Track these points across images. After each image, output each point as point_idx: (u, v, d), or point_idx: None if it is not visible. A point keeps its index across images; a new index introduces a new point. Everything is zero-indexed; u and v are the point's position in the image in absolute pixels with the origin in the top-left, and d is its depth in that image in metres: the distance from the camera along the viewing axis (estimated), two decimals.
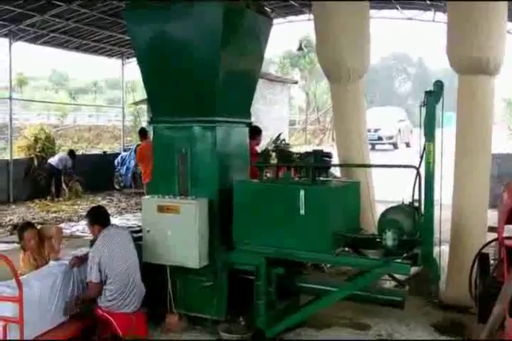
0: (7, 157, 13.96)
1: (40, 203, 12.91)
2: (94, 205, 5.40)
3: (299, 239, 4.70)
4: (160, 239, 5.00)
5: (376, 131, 23.35)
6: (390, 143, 24.68)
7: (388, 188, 10.13)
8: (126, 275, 4.70)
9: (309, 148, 5.73)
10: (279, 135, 6.03)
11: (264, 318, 4.80)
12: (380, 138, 23.96)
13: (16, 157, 13.96)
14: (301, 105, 40.84)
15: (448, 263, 5.73)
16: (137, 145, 11.65)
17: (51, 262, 4.89)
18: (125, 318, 4.66)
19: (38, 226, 5.59)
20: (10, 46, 13.57)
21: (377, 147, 23.55)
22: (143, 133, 11.26)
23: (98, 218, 4.95)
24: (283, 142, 5.82)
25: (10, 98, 14.37)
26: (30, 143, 14.48)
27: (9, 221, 10.68)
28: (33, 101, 28.87)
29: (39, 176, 13.81)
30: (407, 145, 25.11)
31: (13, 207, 12.50)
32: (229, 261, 4.97)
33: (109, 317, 4.63)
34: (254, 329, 4.83)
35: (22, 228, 5.23)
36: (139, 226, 5.94)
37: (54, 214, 11.64)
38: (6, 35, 13.44)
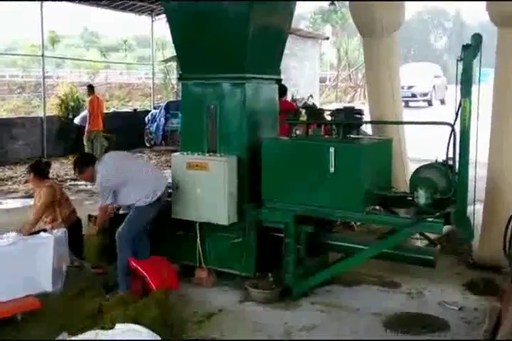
0: (41, 114, 14.13)
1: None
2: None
3: (328, 196, 4.67)
4: (189, 195, 5.01)
5: (410, 87, 22.73)
6: (424, 101, 24.07)
7: (422, 146, 9.94)
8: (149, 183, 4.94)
9: (340, 106, 5.59)
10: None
11: (293, 275, 4.82)
12: (413, 95, 23.35)
13: (48, 114, 14.12)
14: (333, 62, 40.01)
15: (482, 222, 5.62)
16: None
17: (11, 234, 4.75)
18: (158, 272, 4.80)
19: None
20: (41, 4, 13.53)
21: (411, 104, 23.01)
22: (90, 88, 12.94)
23: (89, 159, 5.09)
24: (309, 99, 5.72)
25: (42, 55, 14.45)
26: (61, 101, 14.63)
27: None
28: (64, 58, 28.99)
29: (70, 134, 13.99)
30: (442, 102, 24.47)
31: None
32: (258, 218, 4.97)
33: (142, 271, 4.76)
34: (282, 286, 4.87)
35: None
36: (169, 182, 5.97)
37: None
38: None
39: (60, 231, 4.86)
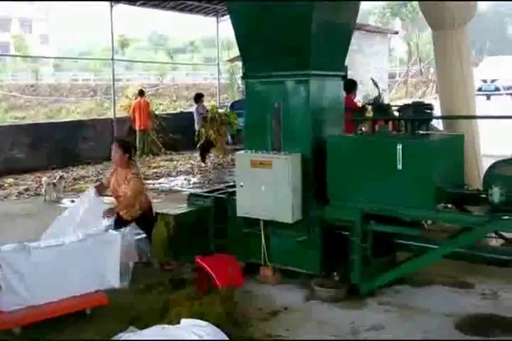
0: (111, 116, 14.58)
1: (140, 159, 13.43)
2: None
3: (396, 194, 4.53)
4: (253, 193, 4.99)
5: (493, 81, 22.18)
6: (508, 94, 23.25)
7: (498, 142, 9.53)
8: None
9: (410, 101, 5.45)
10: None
11: (359, 274, 4.72)
12: (497, 89, 22.67)
13: (118, 115, 14.56)
14: (403, 57, 39.11)
15: None
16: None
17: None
18: (223, 270, 4.82)
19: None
20: (111, 9, 13.95)
21: (492, 98, 22.35)
22: (141, 92, 14.82)
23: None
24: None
25: (112, 59, 14.89)
26: (131, 102, 15.04)
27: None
28: (132, 61, 29.97)
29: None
30: None
31: None
32: (323, 216, 4.90)
33: (208, 268, 4.79)
34: (348, 285, 4.79)
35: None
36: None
37: (154, 170, 12.15)
38: None
39: (128, 229, 4.96)
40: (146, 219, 5.67)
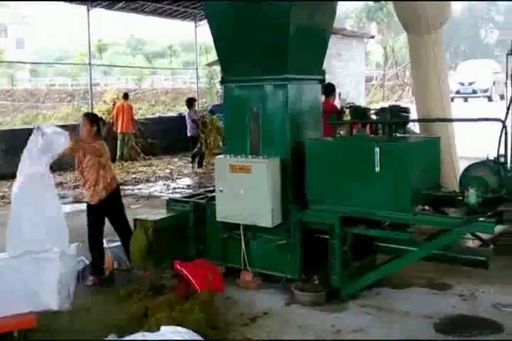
0: None
1: (119, 164, 13.33)
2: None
3: (375, 197, 4.56)
4: (233, 198, 4.99)
5: (471, 84, 23.03)
6: (484, 96, 23.95)
7: (474, 144, 9.65)
8: None
9: (387, 105, 5.50)
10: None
11: (339, 277, 4.74)
12: (474, 92, 23.46)
13: None
14: (379, 60, 39.51)
15: None
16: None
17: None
18: (203, 275, 4.77)
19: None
20: (88, 13, 13.84)
21: (469, 100, 23.13)
22: (125, 95, 14.86)
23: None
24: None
25: (89, 64, 14.77)
26: (109, 108, 14.93)
27: None
28: (110, 66, 29.79)
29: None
30: (502, 97, 24.20)
31: None
32: (303, 219, 4.91)
33: (187, 274, 4.75)
34: (328, 288, 4.80)
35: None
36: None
37: (133, 175, 12.05)
38: (83, 2, 13.68)
39: (72, 248, 4.49)
40: (113, 206, 5.52)
